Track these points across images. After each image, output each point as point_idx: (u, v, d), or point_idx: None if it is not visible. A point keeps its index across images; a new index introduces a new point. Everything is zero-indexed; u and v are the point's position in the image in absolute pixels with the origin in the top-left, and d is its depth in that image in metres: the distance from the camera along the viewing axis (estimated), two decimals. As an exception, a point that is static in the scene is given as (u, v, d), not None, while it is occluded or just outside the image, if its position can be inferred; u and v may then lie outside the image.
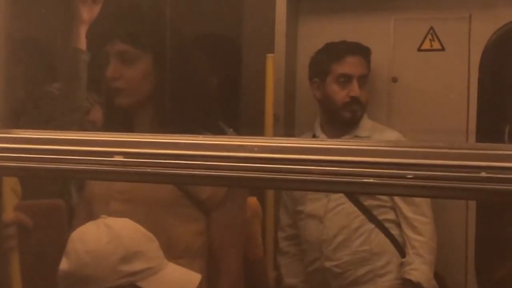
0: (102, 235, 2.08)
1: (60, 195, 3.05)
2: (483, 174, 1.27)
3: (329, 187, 1.57)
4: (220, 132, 2.64)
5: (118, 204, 2.51)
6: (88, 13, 3.02)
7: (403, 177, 1.32)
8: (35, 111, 3.10)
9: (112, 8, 2.87)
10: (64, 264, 2.06)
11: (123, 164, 1.46)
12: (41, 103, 3.14)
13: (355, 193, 2.58)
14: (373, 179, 1.34)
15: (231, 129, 2.70)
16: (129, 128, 2.60)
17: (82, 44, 3.02)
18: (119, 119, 2.61)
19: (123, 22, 2.65)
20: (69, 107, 3.06)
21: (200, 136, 1.48)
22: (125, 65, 2.58)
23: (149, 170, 1.46)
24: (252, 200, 2.73)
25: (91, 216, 2.46)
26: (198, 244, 2.58)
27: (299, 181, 1.40)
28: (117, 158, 1.45)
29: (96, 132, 1.52)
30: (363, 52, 3.43)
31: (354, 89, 3.37)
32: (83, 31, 3.02)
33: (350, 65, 3.40)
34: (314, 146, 1.41)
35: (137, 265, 2.05)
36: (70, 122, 3.01)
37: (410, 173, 1.32)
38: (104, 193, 2.55)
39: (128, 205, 2.51)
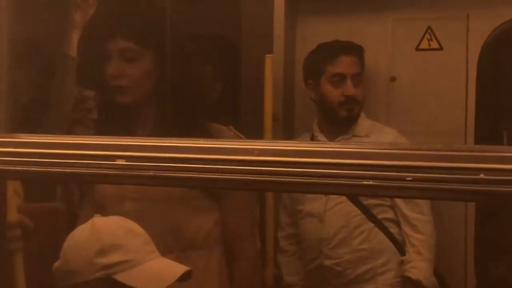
0: (85, 231, 2.12)
1: (62, 197, 3.06)
2: (482, 176, 1.28)
3: (329, 190, 1.58)
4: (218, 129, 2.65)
5: (133, 203, 2.53)
6: (81, 18, 3.00)
7: (402, 179, 1.33)
8: (24, 115, 3.08)
9: (113, 6, 2.85)
10: (56, 262, 2.12)
11: (125, 167, 1.46)
12: (30, 108, 3.12)
13: (355, 195, 2.59)
14: (373, 182, 1.35)
15: (230, 126, 2.69)
16: (129, 126, 2.61)
17: (73, 49, 3.01)
18: (119, 118, 2.61)
19: (124, 20, 2.64)
20: (54, 111, 3.04)
21: (201, 139, 1.48)
22: (127, 63, 2.58)
23: (151, 173, 1.47)
24: None
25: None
26: (216, 234, 2.60)
27: (300, 183, 1.41)
28: (119, 162, 1.46)
29: (98, 136, 1.52)
30: (355, 50, 3.44)
31: (348, 88, 3.37)
32: (75, 36, 3.01)
33: (343, 64, 3.40)
34: (314, 148, 1.41)
35: (113, 258, 2.06)
36: (55, 126, 3.00)
37: (409, 175, 1.32)
38: (117, 193, 2.56)
39: (143, 203, 2.52)
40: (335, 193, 2.66)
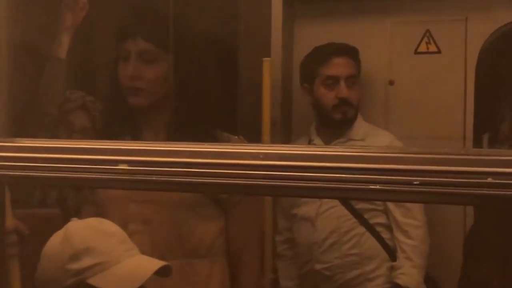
0: (58, 237, 2.08)
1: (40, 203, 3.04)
2: (490, 180, 1.27)
3: (336, 194, 1.57)
4: (228, 138, 2.62)
5: (138, 206, 2.50)
6: (72, 20, 2.98)
7: (409, 183, 1.32)
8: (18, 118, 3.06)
9: (130, 6, 2.81)
10: (36, 272, 2.10)
11: (127, 172, 1.45)
12: (23, 110, 3.10)
13: (362, 199, 2.58)
14: (380, 186, 1.33)
15: (236, 137, 2.67)
16: (136, 131, 2.57)
17: (62, 51, 2.98)
18: (128, 121, 2.58)
19: (144, 20, 2.61)
20: (41, 113, 3.02)
21: (205, 144, 1.47)
22: (146, 64, 2.54)
23: (153, 178, 1.46)
24: None
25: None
26: (220, 243, 2.58)
27: (305, 188, 1.39)
28: (122, 167, 1.45)
29: (101, 141, 1.51)
30: (349, 52, 3.41)
31: (342, 90, 3.35)
32: (65, 38, 2.98)
33: (336, 67, 3.38)
34: (319, 153, 1.40)
35: (85, 262, 2.01)
36: (40, 127, 2.98)
37: (416, 179, 1.31)
38: (122, 195, 2.53)
39: (148, 206, 2.50)
40: (342, 198, 2.65)
